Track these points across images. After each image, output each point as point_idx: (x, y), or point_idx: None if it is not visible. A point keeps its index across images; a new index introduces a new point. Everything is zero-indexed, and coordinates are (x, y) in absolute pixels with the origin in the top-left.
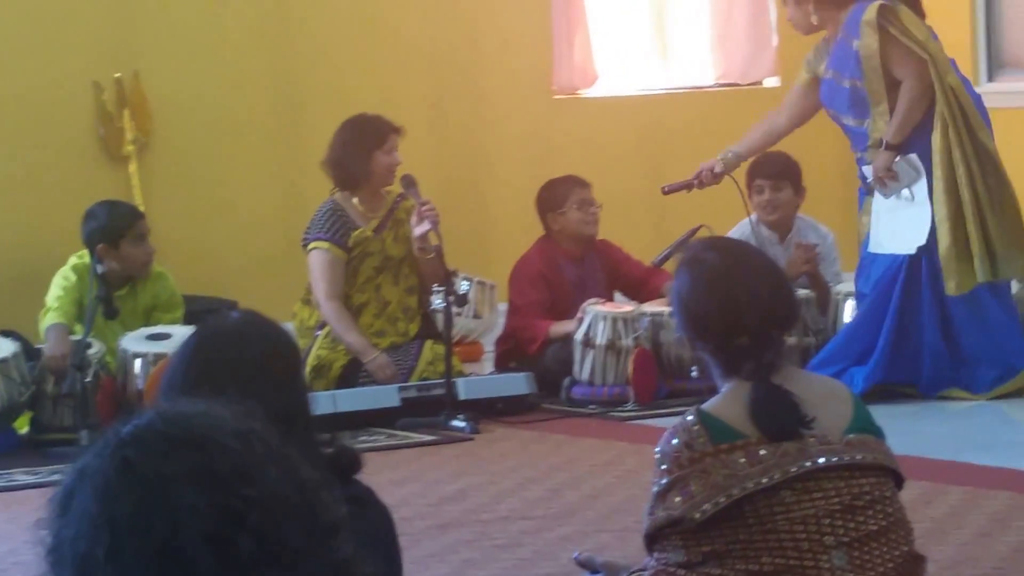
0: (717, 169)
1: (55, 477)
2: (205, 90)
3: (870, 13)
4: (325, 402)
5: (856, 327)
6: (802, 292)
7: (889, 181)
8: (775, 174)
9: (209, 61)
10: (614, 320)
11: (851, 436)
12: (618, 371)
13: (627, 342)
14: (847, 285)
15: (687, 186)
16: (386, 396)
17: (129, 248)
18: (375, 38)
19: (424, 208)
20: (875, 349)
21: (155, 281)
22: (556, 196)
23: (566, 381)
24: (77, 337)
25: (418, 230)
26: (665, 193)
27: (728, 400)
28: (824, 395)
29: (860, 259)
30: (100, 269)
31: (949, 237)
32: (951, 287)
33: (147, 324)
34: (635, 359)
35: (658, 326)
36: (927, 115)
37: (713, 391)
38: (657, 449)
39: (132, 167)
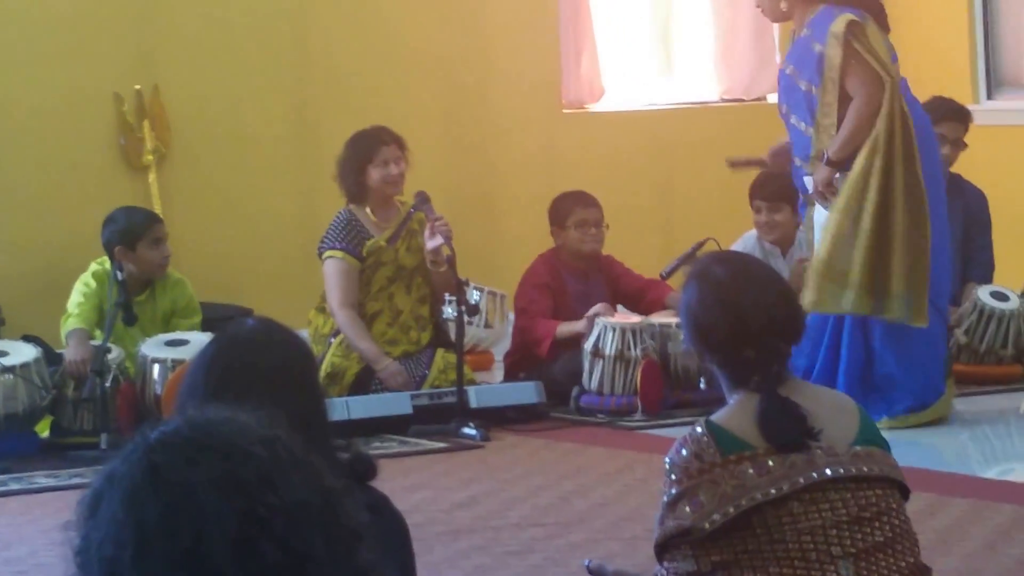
0: (784, 155)
1: (75, 480)
2: (223, 102)
3: (839, 25)
4: (338, 409)
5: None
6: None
7: (829, 196)
8: (772, 196)
9: (227, 74)
10: (623, 331)
11: (858, 448)
12: (626, 381)
13: (635, 353)
14: None
15: (759, 163)
16: (398, 403)
17: (146, 251)
18: (387, 53)
19: (437, 223)
20: (813, 368)
21: (174, 287)
22: (560, 212)
23: (575, 390)
24: (97, 343)
25: (430, 244)
26: (731, 166)
27: (736, 411)
28: (831, 407)
29: None
30: (120, 276)
31: (827, 253)
32: (807, 301)
33: (166, 330)
34: (643, 370)
35: (666, 337)
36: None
37: (720, 402)
38: (666, 459)
39: (151, 177)
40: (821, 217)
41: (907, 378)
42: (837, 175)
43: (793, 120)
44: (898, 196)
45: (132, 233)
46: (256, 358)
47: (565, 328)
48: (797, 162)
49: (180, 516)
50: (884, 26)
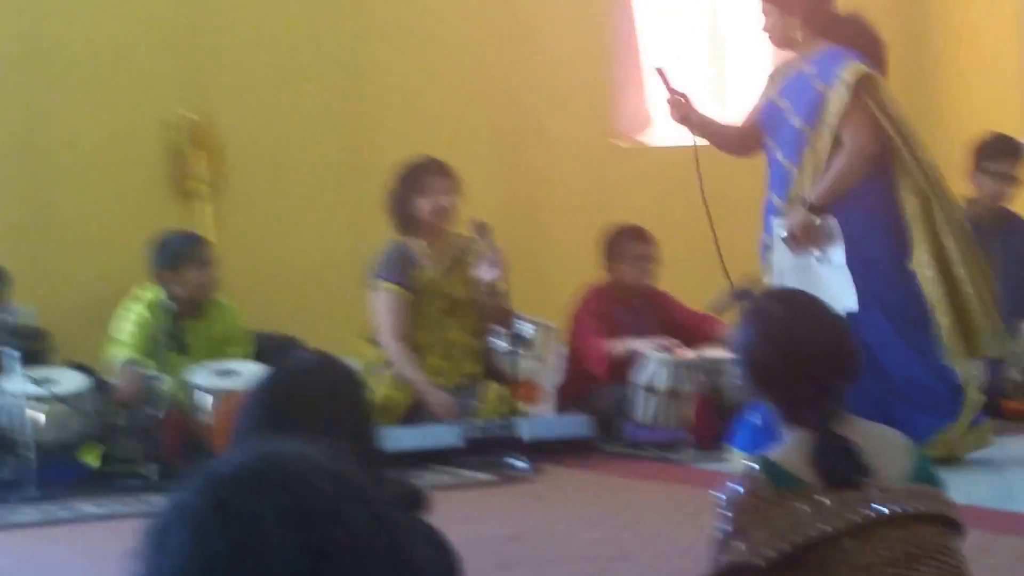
0: (695, 117)
1: (123, 509)
2: (276, 132)
3: (851, 75)
4: (389, 440)
5: None
6: None
7: (803, 240)
8: None
9: (280, 104)
10: (675, 366)
11: (912, 486)
12: (678, 415)
13: (687, 387)
14: None
15: (669, 89)
16: (449, 435)
17: (190, 272)
18: (439, 83)
19: (494, 255)
20: None
21: (225, 315)
22: (613, 246)
23: (626, 424)
24: (147, 372)
25: (485, 275)
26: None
27: (791, 448)
28: (885, 445)
29: None
30: (171, 305)
31: (949, 316)
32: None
33: (216, 357)
34: (695, 404)
35: (717, 372)
36: (859, 185)
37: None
38: (720, 495)
39: (204, 206)
40: (784, 263)
41: (920, 396)
42: (817, 221)
43: (778, 155)
44: (963, 242)
45: (176, 254)
46: (312, 391)
47: (620, 347)
48: (774, 200)
49: (247, 550)
50: (882, 69)
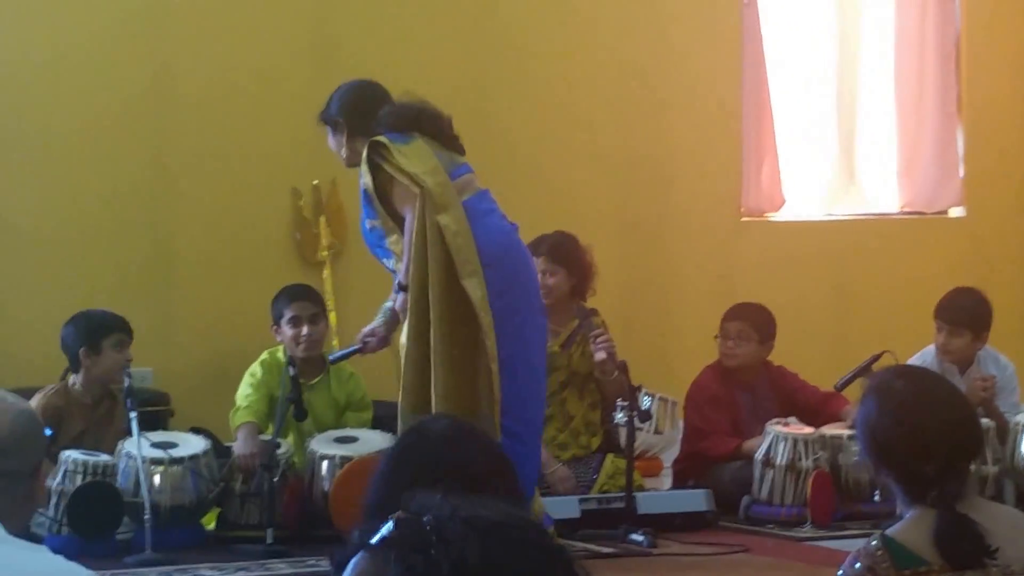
0: (382, 332)
1: (240, 574)
2: None
3: (365, 151)
4: None
5: None
6: (983, 422)
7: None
8: (953, 320)
9: None
10: (795, 441)
11: None
12: (797, 492)
13: (806, 463)
14: None
15: (355, 351)
16: (566, 507)
17: (284, 327)
18: (570, 148)
19: (598, 340)
20: None
21: (348, 381)
22: (721, 324)
23: (745, 499)
24: (267, 437)
25: (598, 356)
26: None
27: (912, 527)
28: (1008, 526)
29: None
30: (292, 371)
31: (407, 381)
32: None
33: (338, 422)
34: (814, 481)
35: (837, 449)
36: None
37: (891, 515)
38: (840, 573)
39: (326, 272)
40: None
41: None
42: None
43: (385, 262)
44: (445, 310)
45: (276, 310)
46: (447, 457)
47: (751, 444)
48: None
49: None
50: (446, 142)
